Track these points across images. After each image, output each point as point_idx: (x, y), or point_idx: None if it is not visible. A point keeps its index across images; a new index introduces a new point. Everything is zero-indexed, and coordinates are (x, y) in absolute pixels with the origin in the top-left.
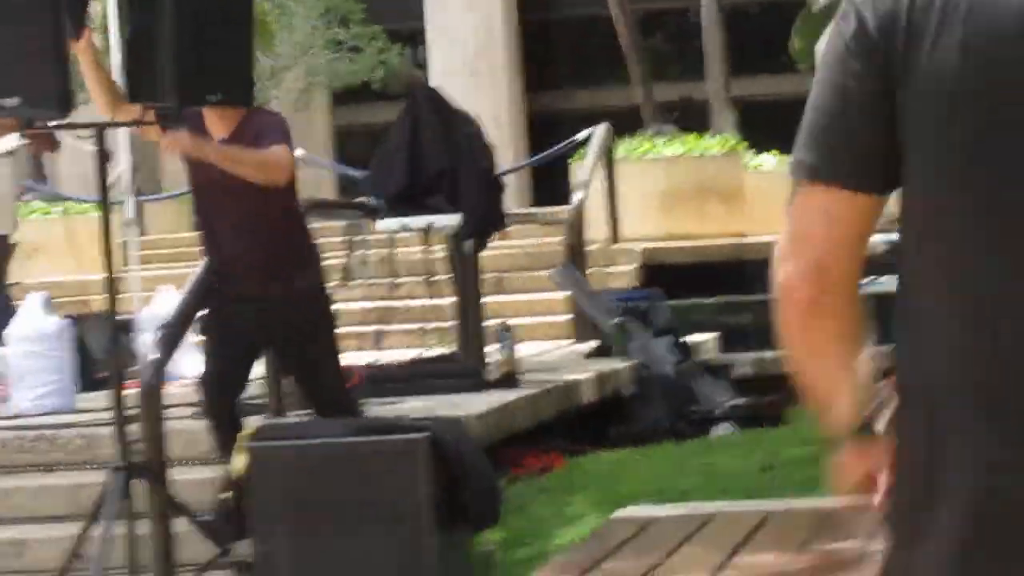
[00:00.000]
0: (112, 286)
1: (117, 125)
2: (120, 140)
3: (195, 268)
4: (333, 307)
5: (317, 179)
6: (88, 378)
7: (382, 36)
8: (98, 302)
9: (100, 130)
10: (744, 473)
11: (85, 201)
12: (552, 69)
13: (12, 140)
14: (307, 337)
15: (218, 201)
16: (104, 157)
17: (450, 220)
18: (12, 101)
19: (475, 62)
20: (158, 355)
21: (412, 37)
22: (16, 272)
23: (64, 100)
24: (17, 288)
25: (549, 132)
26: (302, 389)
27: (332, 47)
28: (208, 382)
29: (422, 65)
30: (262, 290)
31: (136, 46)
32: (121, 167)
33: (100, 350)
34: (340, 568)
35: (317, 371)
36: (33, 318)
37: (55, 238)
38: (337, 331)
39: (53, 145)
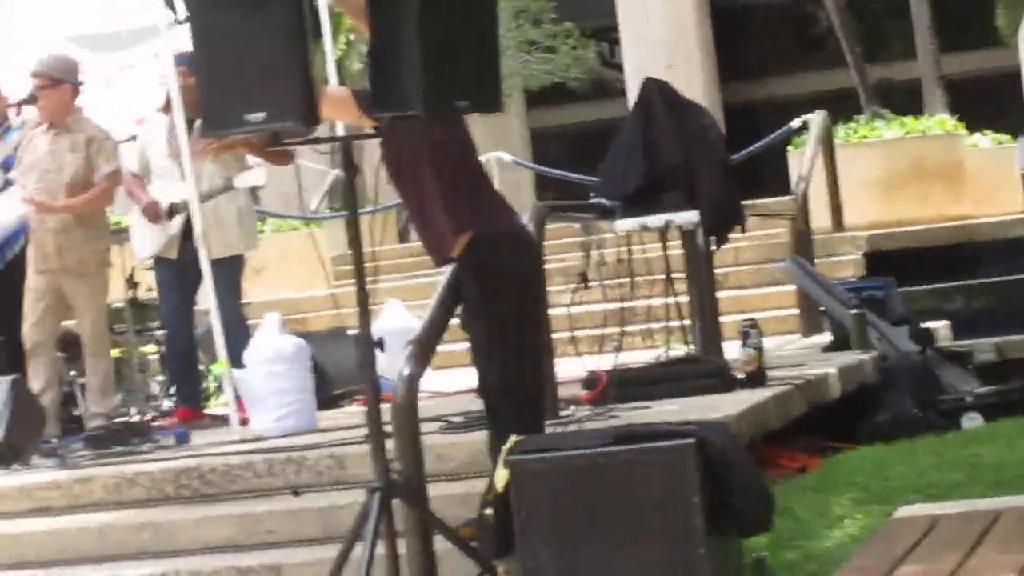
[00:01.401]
0: (365, 302)
1: (359, 138)
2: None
3: (437, 278)
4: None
5: (517, 181)
6: (322, 395)
7: (575, 33)
8: (314, 319)
9: (347, 144)
10: (1013, 464)
11: (291, 218)
12: (746, 58)
13: (260, 175)
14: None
15: None
16: (353, 171)
17: (690, 216)
18: (258, 116)
19: (669, 56)
20: (411, 369)
21: (601, 33)
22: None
23: (309, 113)
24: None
25: (745, 123)
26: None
27: (525, 48)
28: None
29: (607, 62)
30: None
31: (379, 53)
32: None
33: (331, 368)
34: None
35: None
36: (271, 339)
37: (268, 257)
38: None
39: (288, 158)
